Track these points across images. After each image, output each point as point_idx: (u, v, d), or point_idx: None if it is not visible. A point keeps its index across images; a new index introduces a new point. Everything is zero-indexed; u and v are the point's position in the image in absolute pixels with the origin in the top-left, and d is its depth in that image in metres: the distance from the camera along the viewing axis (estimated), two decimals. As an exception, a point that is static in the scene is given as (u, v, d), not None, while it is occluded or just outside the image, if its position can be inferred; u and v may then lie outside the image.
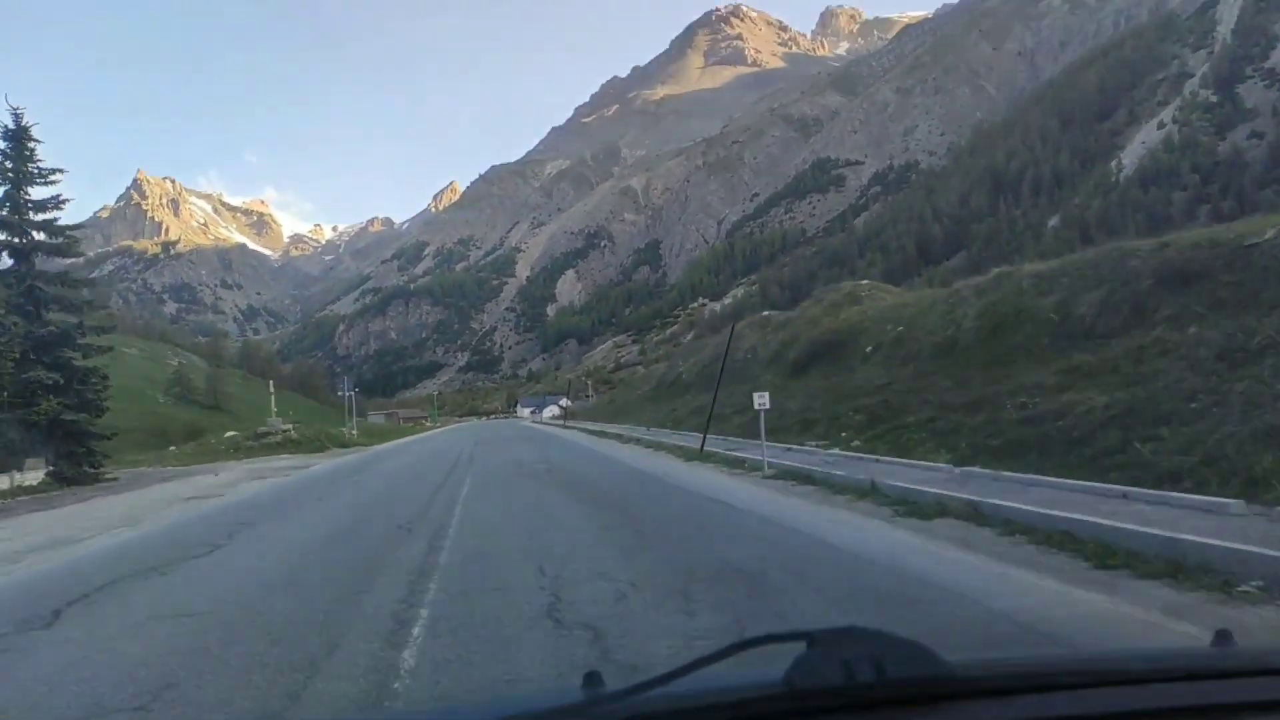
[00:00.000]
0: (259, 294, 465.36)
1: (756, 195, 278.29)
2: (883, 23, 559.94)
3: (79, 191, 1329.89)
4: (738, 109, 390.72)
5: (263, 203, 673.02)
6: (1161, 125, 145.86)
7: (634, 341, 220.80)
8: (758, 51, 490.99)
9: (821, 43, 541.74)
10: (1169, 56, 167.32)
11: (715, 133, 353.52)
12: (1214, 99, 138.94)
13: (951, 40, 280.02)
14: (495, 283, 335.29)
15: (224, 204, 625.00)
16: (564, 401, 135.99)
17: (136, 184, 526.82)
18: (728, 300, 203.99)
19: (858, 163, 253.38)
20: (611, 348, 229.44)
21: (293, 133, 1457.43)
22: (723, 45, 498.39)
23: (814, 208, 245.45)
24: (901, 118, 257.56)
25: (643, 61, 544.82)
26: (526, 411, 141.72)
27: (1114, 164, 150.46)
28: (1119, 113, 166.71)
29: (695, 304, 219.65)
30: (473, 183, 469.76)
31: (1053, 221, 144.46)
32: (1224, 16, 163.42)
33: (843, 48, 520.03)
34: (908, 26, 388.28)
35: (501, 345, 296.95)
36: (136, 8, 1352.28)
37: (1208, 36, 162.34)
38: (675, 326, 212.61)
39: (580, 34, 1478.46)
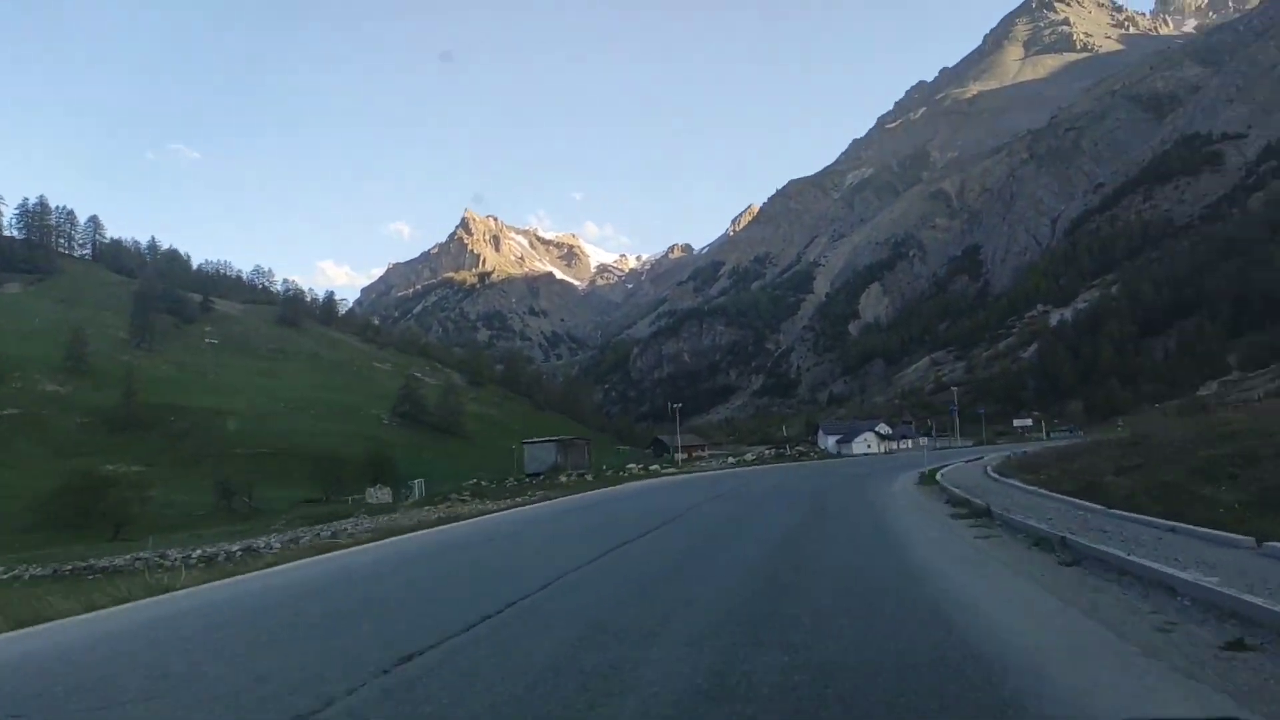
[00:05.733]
0: (563, 320, 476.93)
1: (1101, 186, 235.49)
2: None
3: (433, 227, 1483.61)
4: (1067, 98, 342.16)
5: (574, 236, 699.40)
6: None
7: (956, 359, 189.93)
8: (1088, 35, 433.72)
9: (1165, 20, 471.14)
10: None
11: (1041, 124, 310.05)
12: None
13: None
14: (792, 300, 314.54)
15: (539, 238, 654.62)
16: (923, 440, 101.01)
17: (464, 222, 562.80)
18: (1080, 304, 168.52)
19: (1239, 136, 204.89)
20: (929, 365, 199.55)
21: (611, 170, 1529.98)
22: (1046, 33, 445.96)
23: (1182, 193, 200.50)
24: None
25: (951, 61, 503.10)
26: (831, 441, 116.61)
27: None
28: None
29: (1033, 312, 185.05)
30: (769, 198, 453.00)
31: None
32: None
33: (1190, 25, 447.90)
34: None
35: (799, 367, 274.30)
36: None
37: None
38: (1010, 338, 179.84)
39: (878, 43, 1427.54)
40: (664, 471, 55.41)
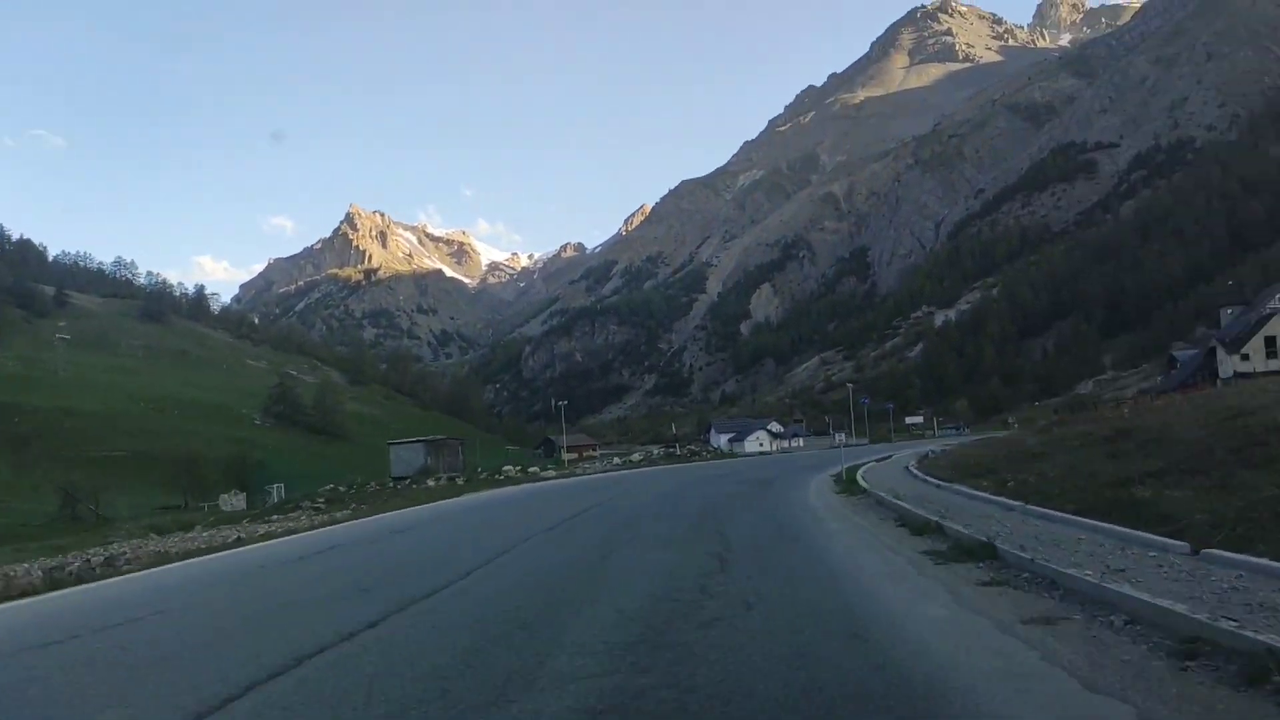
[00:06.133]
0: (453, 319, 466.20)
1: (982, 192, 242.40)
2: (1111, 10, 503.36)
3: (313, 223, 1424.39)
4: (950, 105, 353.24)
5: (464, 233, 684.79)
6: None
7: (845, 358, 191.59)
8: (970, 46, 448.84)
9: (1041, 33, 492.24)
10: None
11: (925, 131, 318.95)
12: None
13: (1222, 1, 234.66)
14: (685, 300, 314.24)
15: (428, 235, 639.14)
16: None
17: (349, 217, 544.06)
18: (963, 306, 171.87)
19: (1112, 145, 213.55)
20: (818, 365, 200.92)
21: (504, 168, 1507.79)
22: (930, 43, 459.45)
23: (1059, 199, 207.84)
24: (1165, 91, 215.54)
25: (840, 68, 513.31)
26: (724, 439, 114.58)
27: None
28: None
29: (919, 312, 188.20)
30: (661, 198, 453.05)
31: None
32: None
33: (1065, 39, 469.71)
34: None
35: (691, 366, 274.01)
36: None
37: None
38: (897, 338, 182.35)
39: (770, 47, 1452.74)
40: (544, 474, 50.78)
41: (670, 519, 18.37)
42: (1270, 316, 61.46)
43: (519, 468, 55.18)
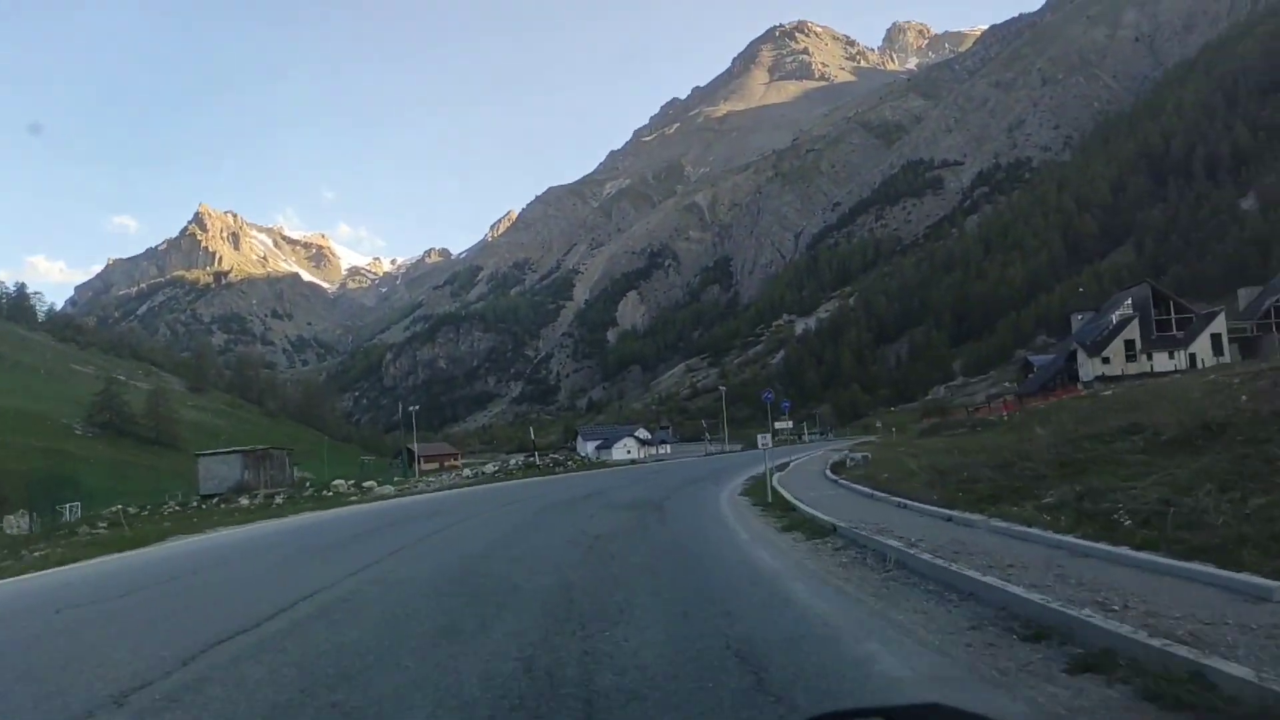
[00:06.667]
0: (310, 324, 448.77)
1: (838, 205, 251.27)
2: (954, 36, 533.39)
3: (155, 223, 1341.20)
4: (807, 121, 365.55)
5: (323, 236, 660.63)
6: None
7: (710, 365, 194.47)
8: (825, 66, 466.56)
9: (891, 56, 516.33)
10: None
11: (785, 145, 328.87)
12: None
13: (1055, 30, 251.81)
14: (551, 307, 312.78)
15: (284, 238, 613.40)
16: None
17: (198, 217, 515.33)
18: (822, 314, 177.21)
19: (957, 163, 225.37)
20: (684, 372, 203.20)
21: (366, 170, 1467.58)
22: (788, 61, 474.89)
23: (909, 213, 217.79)
24: (1004, 113, 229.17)
25: (703, 81, 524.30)
26: (591, 447, 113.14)
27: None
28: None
29: (780, 321, 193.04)
30: (528, 205, 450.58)
31: (1247, 202, 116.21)
32: None
33: (912, 63, 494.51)
34: (993, 26, 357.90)
35: (558, 373, 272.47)
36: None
37: None
38: (759, 346, 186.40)
39: (636, 59, 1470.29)
40: (380, 490, 45.67)
41: (476, 637, 7.08)
42: (1128, 321, 64.93)
43: (352, 482, 50.65)
